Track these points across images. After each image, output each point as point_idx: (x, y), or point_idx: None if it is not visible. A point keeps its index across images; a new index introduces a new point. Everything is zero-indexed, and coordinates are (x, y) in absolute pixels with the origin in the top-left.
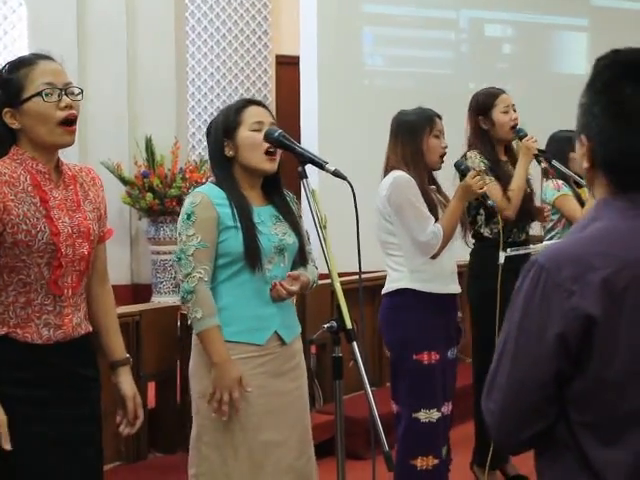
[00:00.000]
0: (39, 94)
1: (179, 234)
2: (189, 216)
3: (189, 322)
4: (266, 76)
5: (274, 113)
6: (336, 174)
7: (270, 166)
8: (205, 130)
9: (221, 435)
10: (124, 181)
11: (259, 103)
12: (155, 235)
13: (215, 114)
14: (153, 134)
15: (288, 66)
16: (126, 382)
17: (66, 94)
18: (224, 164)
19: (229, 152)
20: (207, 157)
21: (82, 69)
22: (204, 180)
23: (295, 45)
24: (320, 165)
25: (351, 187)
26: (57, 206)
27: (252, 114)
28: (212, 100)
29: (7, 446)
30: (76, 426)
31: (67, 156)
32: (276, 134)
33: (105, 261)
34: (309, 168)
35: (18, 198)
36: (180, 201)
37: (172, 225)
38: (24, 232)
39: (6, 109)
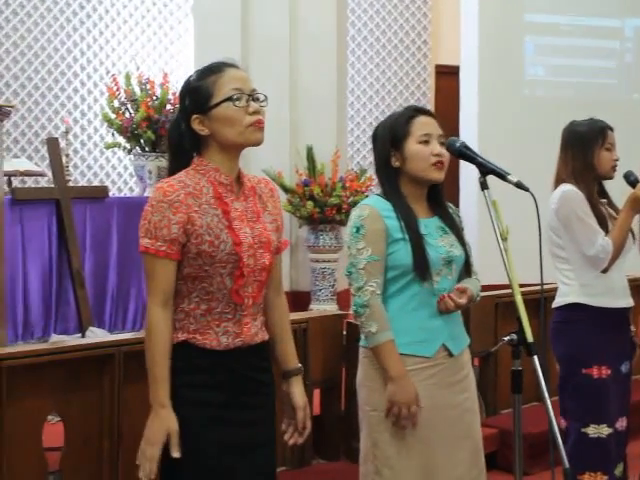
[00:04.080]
0: (229, 99)
1: (348, 247)
2: (358, 229)
3: (362, 336)
4: (425, 86)
5: None
6: (519, 185)
7: (438, 175)
8: (363, 140)
9: (393, 448)
10: (285, 189)
11: (427, 112)
12: (315, 243)
13: (373, 124)
14: (314, 143)
15: (447, 76)
16: (298, 392)
17: (253, 100)
18: (390, 174)
19: (395, 163)
20: (366, 166)
21: None
22: (364, 189)
23: (454, 55)
24: (502, 176)
25: (534, 198)
26: (238, 217)
27: (421, 125)
28: (371, 110)
29: (176, 454)
30: (252, 430)
31: None
32: (458, 145)
33: (281, 272)
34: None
35: (202, 209)
36: (340, 210)
37: (332, 234)
38: (207, 243)
39: (195, 116)
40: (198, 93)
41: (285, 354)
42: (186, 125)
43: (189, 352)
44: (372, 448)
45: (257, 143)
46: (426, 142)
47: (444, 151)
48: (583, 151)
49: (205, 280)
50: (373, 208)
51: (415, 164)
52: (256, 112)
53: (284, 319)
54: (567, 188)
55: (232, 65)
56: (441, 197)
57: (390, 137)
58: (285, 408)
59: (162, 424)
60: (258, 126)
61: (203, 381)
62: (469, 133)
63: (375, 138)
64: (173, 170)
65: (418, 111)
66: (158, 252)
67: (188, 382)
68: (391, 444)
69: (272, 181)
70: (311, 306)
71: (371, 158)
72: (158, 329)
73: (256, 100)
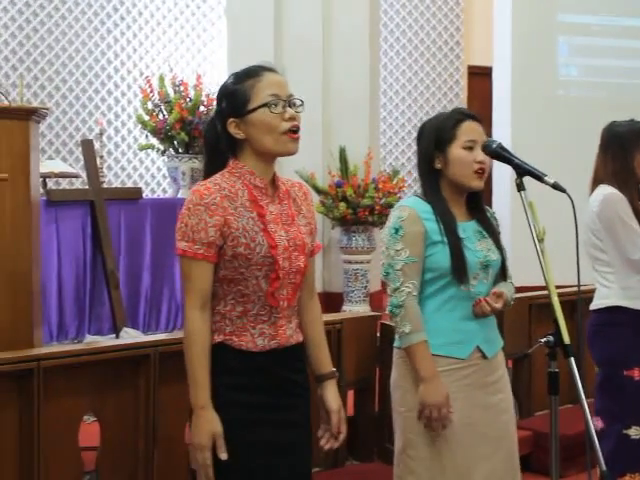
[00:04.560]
0: (265, 105)
1: (386, 248)
2: (397, 230)
3: (396, 336)
4: (458, 87)
5: None
6: (555, 186)
7: (479, 184)
8: (396, 141)
9: (428, 449)
10: (318, 190)
11: (474, 117)
12: (347, 244)
13: (405, 125)
14: (346, 144)
15: (480, 77)
16: (332, 396)
17: (289, 105)
18: (431, 176)
19: (438, 164)
20: (399, 168)
21: None
22: (397, 190)
23: (487, 56)
24: (539, 177)
25: (571, 200)
26: (273, 220)
27: (467, 131)
28: (403, 111)
29: (223, 456)
30: (288, 431)
31: None
32: (494, 146)
33: (314, 275)
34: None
35: (237, 212)
36: (372, 211)
37: (364, 235)
38: (243, 245)
39: (231, 119)
40: (235, 97)
41: (319, 358)
42: (222, 127)
43: (225, 354)
44: (407, 448)
45: (291, 153)
46: (470, 148)
47: (487, 158)
48: (623, 153)
49: (241, 283)
50: (413, 210)
51: (457, 169)
52: (292, 118)
53: (317, 322)
54: (609, 191)
55: (270, 69)
56: (480, 201)
57: (435, 138)
58: (320, 412)
59: (206, 428)
60: (293, 137)
61: (239, 382)
62: (502, 134)
63: (420, 137)
64: (208, 171)
65: (465, 115)
66: (196, 255)
67: (224, 384)
68: (427, 444)
69: (305, 184)
70: (344, 307)
71: (403, 159)
72: (197, 331)
73: (293, 105)
